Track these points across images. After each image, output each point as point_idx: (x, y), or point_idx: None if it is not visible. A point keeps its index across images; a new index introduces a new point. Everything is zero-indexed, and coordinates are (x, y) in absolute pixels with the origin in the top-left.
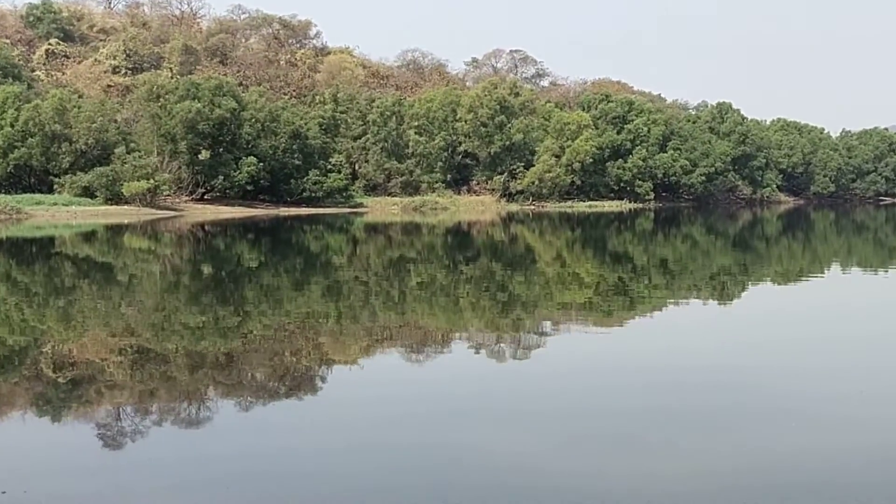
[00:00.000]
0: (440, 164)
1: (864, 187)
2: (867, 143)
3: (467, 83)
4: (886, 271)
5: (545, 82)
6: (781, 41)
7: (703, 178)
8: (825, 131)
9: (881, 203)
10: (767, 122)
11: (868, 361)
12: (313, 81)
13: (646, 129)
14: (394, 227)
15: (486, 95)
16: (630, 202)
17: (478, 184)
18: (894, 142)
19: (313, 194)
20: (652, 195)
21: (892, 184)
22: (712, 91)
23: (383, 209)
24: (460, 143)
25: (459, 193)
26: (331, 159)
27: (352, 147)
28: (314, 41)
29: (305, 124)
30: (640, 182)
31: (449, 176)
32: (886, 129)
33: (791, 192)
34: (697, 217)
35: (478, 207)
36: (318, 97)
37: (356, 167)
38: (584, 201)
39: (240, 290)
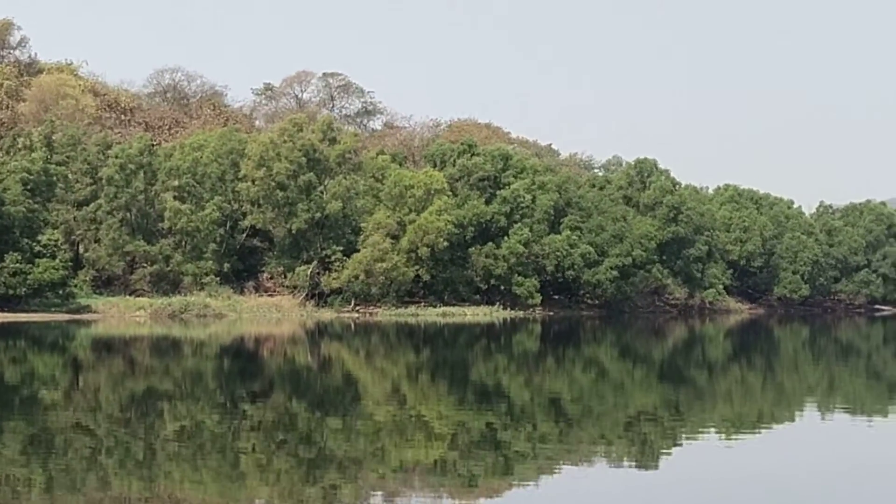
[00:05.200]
0: (213, 246)
1: (851, 290)
2: (856, 223)
3: (257, 122)
4: (885, 417)
5: (377, 123)
6: (727, 77)
7: (615, 273)
8: (795, 206)
9: (877, 314)
10: (710, 191)
11: None
12: (14, 115)
13: (529, 196)
14: (139, 343)
15: (285, 142)
16: (505, 308)
17: (271, 278)
18: None
19: (12, 291)
20: (538, 298)
21: (892, 286)
22: (629, 143)
23: (123, 315)
24: (245, 215)
25: (243, 292)
26: (40, 237)
27: (75, 218)
28: (17, 52)
29: (1, 181)
30: (520, 278)
31: (227, 265)
32: (884, 203)
33: (745, 295)
34: (606, 332)
35: (271, 314)
36: (21, 139)
37: (81, 249)
38: (436, 306)
39: None
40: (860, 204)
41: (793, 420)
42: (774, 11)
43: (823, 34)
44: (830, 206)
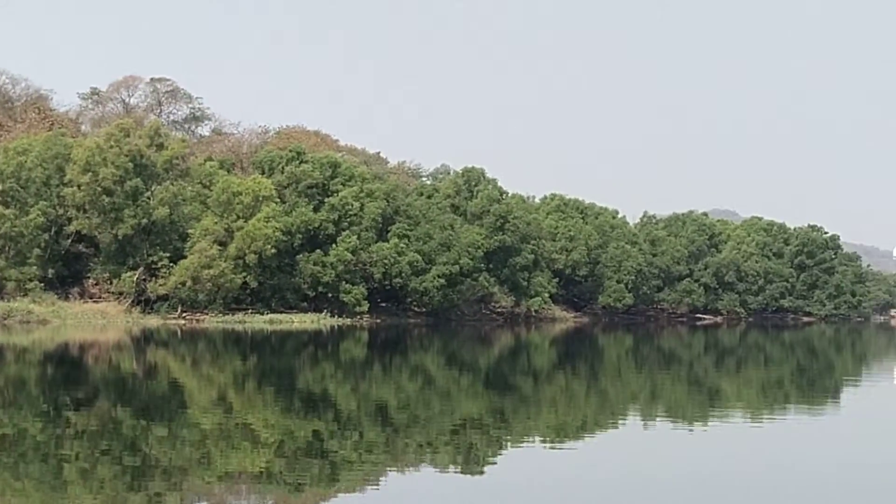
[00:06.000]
0: (37, 251)
1: (674, 299)
2: (679, 233)
3: (83, 127)
4: (705, 425)
5: (205, 129)
6: (553, 90)
7: (443, 281)
8: (619, 216)
9: (698, 322)
10: (537, 201)
11: None
12: None
13: (357, 204)
14: None
15: (111, 147)
16: (333, 316)
17: (97, 284)
18: (717, 233)
19: None
20: (366, 306)
21: (713, 295)
22: (457, 153)
23: None
24: (70, 221)
25: (68, 298)
26: None
27: None
28: None
29: None
30: (347, 286)
31: (51, 271)
32: (706, 213)
33: (571, 304)
34: (433, 340)
35: (96, 321)
36: None
37: None
38: (263, 313)
39: None
40: (683, 214)
41: (616, 427)
42: (607, 28)
43: (650, 52)
44: (654, 217)
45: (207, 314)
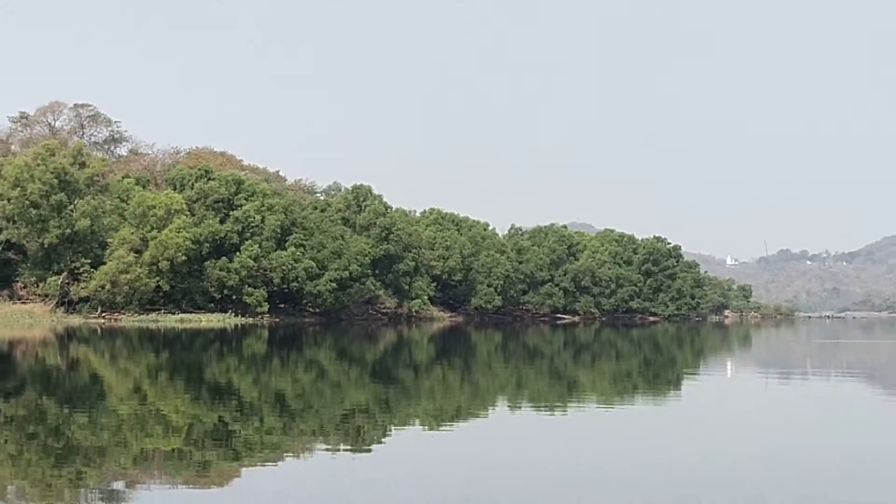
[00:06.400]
0: None
1: (537, 301)
2: (542, 244)
3: (13, 147)
4: (565, 411)
5: (123, 150)
6: (422, 112)
7: (334, 284)
8: (490, 227)
9: (558, 322)
10: (418, 214)
11: None
12: None
13: (259, 217)
14: None
15: (38, 165)
16: (237, 315)
17: (25, 287)
18: (575, 243)
19: None
20: (266, 307)
21: (571, 298)
22: (346, 172)
23: None
24: (0, 231)
25: None
26: None
27: None
28: None
29: None
30: (250, 289)
31: None
32: (565, 226)
33: (447, 305)
34: (326, 337)
35: (24, 320)
36: None
37: None
38: (175, 313)
39: None
40: (545, 227)
41: (487, 414)
42: (472, 48)
43: (514, 73)
44: (520, 229)
45: (124, 314)
